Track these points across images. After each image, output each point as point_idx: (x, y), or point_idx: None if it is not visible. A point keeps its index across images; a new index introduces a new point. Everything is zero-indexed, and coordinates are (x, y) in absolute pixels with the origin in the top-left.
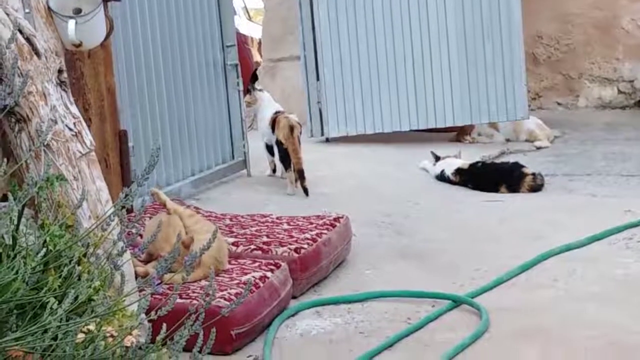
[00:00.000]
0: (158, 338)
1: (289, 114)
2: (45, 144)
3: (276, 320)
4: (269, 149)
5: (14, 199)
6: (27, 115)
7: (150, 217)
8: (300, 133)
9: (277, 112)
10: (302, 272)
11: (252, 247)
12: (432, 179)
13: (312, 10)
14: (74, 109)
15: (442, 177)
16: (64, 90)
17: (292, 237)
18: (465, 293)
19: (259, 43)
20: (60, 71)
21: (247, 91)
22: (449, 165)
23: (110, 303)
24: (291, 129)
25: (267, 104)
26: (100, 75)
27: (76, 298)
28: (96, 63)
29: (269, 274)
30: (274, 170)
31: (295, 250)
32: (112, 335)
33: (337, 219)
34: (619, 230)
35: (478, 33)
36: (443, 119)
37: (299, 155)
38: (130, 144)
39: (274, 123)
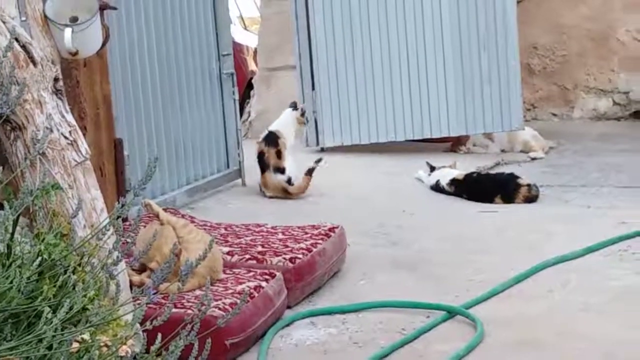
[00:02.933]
0: (152, 348)
1: (283, 145)
2: (41, 152)
3: (270, 331)
4: None
5: (10, 208)
6: (23, 124)
7: (144, 227)
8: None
9: (268, 134)
10: (296, 282)
11: (247, 256)
12: (427, 189)
13: (308, 20)
14: (69, 117)
15: (437, 188)
16: (59, 98)
17: (287, 246)
18: (460, 304)
19: (255, 52)
20: (56, 79)
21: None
22: (444, 176)
23: (105, 312)
24: (284, 191)
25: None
26: (96, 84)
27: (71, 307)
28: (92, 71)
29: (263, 283)
30: None
31: (290, 260)
32: (106, 345)
33: (332, 229)
34: (613, 241)
35: (474, 44)
36: (438, 129)
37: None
38: (126, 153)
39: (260, 157)
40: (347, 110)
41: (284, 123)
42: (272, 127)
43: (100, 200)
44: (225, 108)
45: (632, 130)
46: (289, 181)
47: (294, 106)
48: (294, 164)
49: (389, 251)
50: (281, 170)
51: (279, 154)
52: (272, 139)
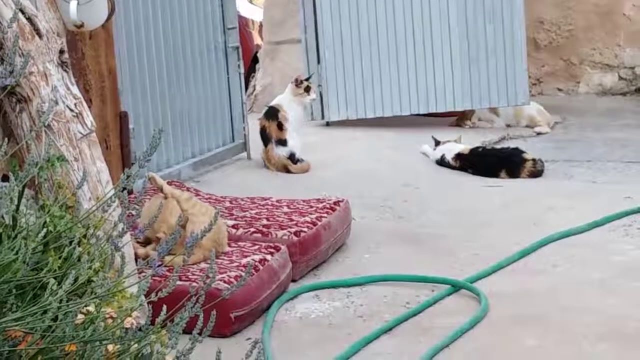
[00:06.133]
0: (158, 320)
1: (283, 117)
2: (46, 124)
3: (275, 304)
4: None
5: (15, 179)
6: (28, 96)
7: (149, 199)
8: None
9: (268, 109)
10: (301, 255)
11: (252, 230)
12: (432, 163)
13: None
14: (75, 90)
15: (442, 162)
16: (65, 70)
17: (292, 220)
18: (464, 278)
19: (260, 26)
20: (61, 52)
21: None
22: (449, 150)
23: (110, 284)
24: (286, 168)
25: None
26: (101, 57)
27: (76, 279)
28: (97, 44)
29: (268, 257)
30: None
31: (295, 233)
32: (111, 317)
33: (337, 203)
34: (618, 216)
35: (480, 18)
36: (444, 103)
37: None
38: (131, 126)
39: (263, 131)
40: (352, 84)
41: (284, 97)
42: (273, 102)
43: (105, 172)
44: (231, 81)
45: (637, 105)
46: (292, 157)
47: (295, 80)
48: (299, 140)
49: (394, 225)
50: (283, 143)
51: (280, 126)
52: (271, 113)
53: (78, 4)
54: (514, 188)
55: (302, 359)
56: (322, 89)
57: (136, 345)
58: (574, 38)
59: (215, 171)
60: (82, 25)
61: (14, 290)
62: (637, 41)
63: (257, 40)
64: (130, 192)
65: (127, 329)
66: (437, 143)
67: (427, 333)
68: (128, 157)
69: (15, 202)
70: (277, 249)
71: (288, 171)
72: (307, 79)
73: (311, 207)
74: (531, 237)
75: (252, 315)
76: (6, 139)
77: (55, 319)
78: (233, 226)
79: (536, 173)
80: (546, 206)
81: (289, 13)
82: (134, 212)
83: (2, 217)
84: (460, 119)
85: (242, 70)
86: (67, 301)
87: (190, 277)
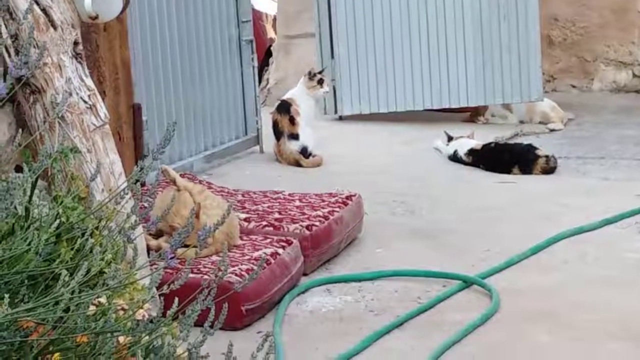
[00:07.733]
0: (169, 312)
1: (295, 111)
2: (60, 116)
3: (286, 297)
4: None
5: (28, 171)
6: (42, 87)
7: (162, 192)
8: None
9: (280, 103)
10: (313, 249)
11: (264, 223)
12: (444, 159)
13: None
14: (88, 82)
15: (454, 158)
16: (79, 62)
17: (304, 214)
18: (476, 274)
19: (274, 19)
20: (75, 43)
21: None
22: (462, 146)
23: (122, 276)
24: (297, 163)
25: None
26: (115, 49)
27: (88, 271)
28: (111, 36)
29: (280, 250)
30: None
31: (307, 227)
32: (123, 309)
33: (349, 197)
34: (631, 214)
35: (494, 13)
36: (457, 99)
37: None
38: (144, 118)
39: (275, 125)
40: (365, 78)
41: (297, 91)
42: (285, 96)
43: (118, 164)
44: (244, 75)
45: None
46: (304, 151)
47: (308, 74)
48: (311, 134)
49: (405, 220)
50: (295, 137)
51: (292, 121)
52: (284, 107)
53: None
54: (526, 184)
55: (312, 352)
56: (335, 84)
57: (147, 337)
58: (588, 35)
59: (228, 164)
60: (96, 17)
61: (26, 281)
62: None
63: (271, 33)
64: (143, 184)
65: (138, 321)
66: (450, 138)
67: (438, 328)
68: (141, 149)
69: (28, 193)
70: (289, 243)
71: (300, 165)
72: (320, 72)
73: (323, 201)
74: (543, 234)
75: (263, 309)
76: (20, 130)
77: (67, 310)
78: (245, 219)
79: (549, 170)
80: (558, 203)
81: (303, 7)
82: (146, 205)
83: (15, 208)
84: (473, 114)
85: (256, 64)
86: (79, 292)
87: (202, 269)
